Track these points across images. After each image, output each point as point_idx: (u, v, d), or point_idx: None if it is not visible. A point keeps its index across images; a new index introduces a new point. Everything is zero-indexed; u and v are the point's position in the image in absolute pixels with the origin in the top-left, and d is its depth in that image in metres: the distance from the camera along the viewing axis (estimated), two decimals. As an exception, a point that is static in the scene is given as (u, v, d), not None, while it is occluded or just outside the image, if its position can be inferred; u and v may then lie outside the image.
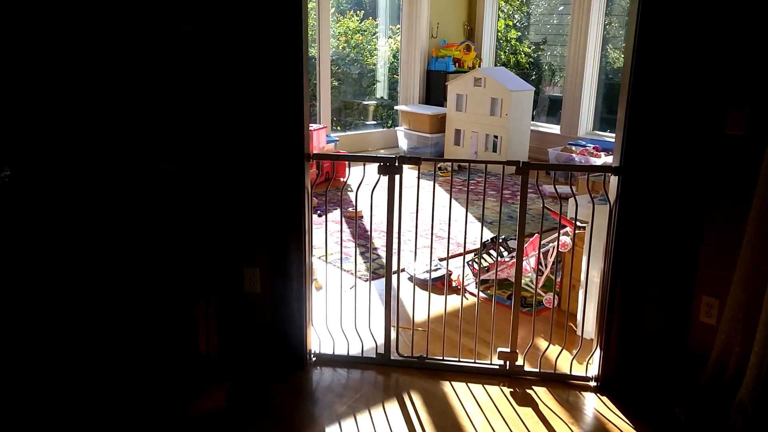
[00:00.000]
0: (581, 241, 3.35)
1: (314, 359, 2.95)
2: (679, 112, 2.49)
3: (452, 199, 5.23)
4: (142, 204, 2.11)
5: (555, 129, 7.53)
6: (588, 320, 3.18)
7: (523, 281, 3.82)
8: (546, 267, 3.63)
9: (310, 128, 4.37)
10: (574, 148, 6.51)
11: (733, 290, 2.44)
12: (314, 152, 5.41)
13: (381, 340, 2.97)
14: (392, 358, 2.93)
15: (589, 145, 6.50)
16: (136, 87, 2.06)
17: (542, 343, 3.11)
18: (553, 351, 2.95)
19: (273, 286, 2.83)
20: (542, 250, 3.66)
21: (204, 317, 2.47)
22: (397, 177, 2.74)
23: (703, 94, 2.45)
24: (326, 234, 3.03)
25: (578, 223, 3.38)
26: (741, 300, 2.42)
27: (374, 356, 2.95)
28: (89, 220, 2.10)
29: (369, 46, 8.29)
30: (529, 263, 3.65)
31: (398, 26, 8.01)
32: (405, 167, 2.80)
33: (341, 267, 3.04)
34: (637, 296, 2.69)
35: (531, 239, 3.72)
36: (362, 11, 8.07)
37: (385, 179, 2.75)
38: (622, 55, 7.37)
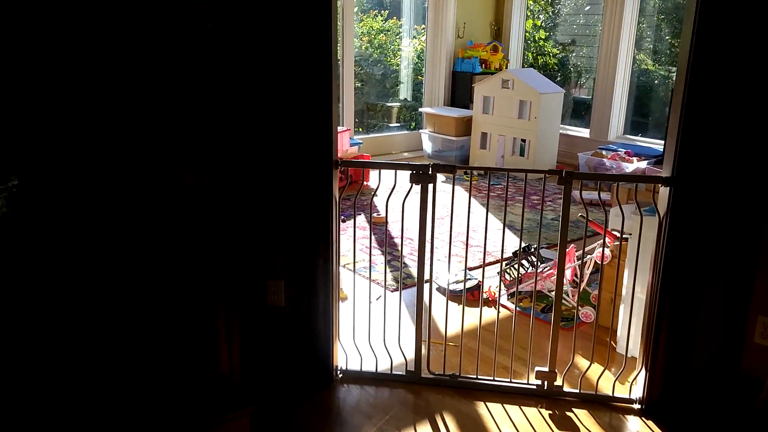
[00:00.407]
0: (622, 253, 3.18)
1: (341, 375, 2.82)
2: (736, 118, 2.31)
3: (483, 206, 5.08)
4: (161, 215, 1.98)
5: (584, 132, 7.33)
6: (630, 337, 3.01)
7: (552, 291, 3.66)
8: (582, 279, 3.45)
9: (336, 131, 4.24)
10: (604, 152, 6.31)
11: (795, 312, 2.26)
12: (341, 158, 5.27)
13: (411, 356, 2.82)
14: (423, 375, 2.78)
15: (620, 149, 6.29)
16: (155, 90, 1.93)
17: (581, 362, 2.94)
18: (594, 370, 2.78)
19: (298, 300, 2.69)
20: (579, 261, 3.49)
21: (226, 335, 2.33)
22: (430, 186, 2.59)
23: (759, 95, 2.26)
24: (354, 242, 2.88)
25: (619, 234, 3.20)
26: (804, 322, 2.24)
27: (404, 373, 2.80)
28: (105, 233, 1.97)
29: (392, 47, 8.15)
30: (565, 275, 3.47)
31: (423, 26, 7.86)
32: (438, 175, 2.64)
33: (369, 277, 2.89)
34: (686, 314, 2.51)
35: (567, 249, 3.54)
36: (386, 11, 7.93)
37: (417, 187, 2.60)
38: (648, 58, 7.22)
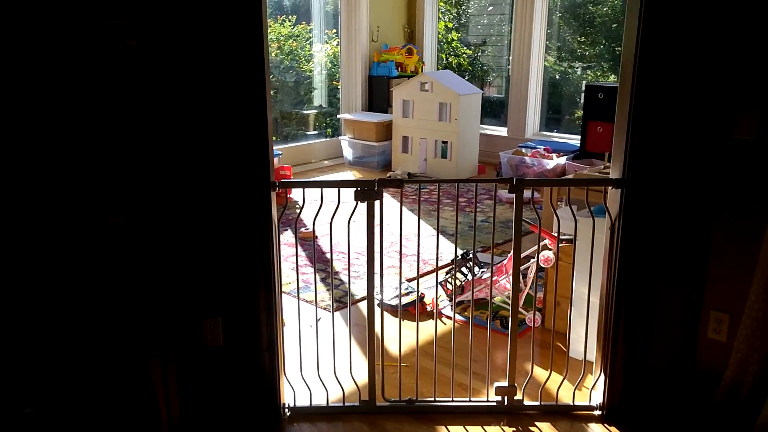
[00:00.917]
0: (568, 255, 3.14)
1: (289, 414, 2.61)
2: (683, 117, 2.29)
3: (413, 213, 4.94)
4: (84, 264, 1.72)
5: (501, 131, 7.39)
6: (579, 339, 2.97)
7: (498, 299, 3.59)
8: (525, 284, 3.40)
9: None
10: (524, 150, 6.37)
11: (749, 306, 2.25)
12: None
13: (363, 382, 2.65)
14: (378, 404, 2.62)
15: (539, 146, 6.36)
16: (74, 120, 1.67)
17: (539, 372, 2.87)
18: (553, 379, 2.71)
19: (239, 337, 2.46)
20: (522, 267, 3.43)
21: (164, 391, 2.08)
22: (377, 203, 2.43)
23: (708, 96, 2.25)
24: (297, 265, 2.67)
25: (562, 237, 3.16)
26: (759, 316, 2.24)
27: (357, 403, 2.63)
28: (22, 285, 1.69)
29: (303, 52, 7.93)
30: (509, 281, 3.40)
31: (334, 30, 7.69)
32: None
33: (315, 302, 2.69)
34: (643, 315, 2.48)
35: (509, 255, 3.47)
36: (294, 16, 7.70)
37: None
38: (550, 55, 7.37)
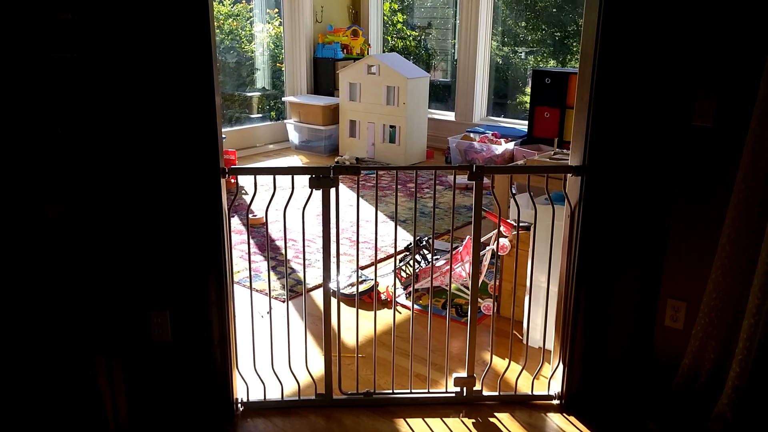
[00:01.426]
0: (522, 243, 3.12)
1: (242, 409, 2.50)
2: (643, 103, 2.27)
3: (363, 200, 4.83)
4: (16, 257, 1.56)
5: (449, 116, 7.36)
6: (536, 328, 2.96)
7: (454, 286, 3.56)
8: (480, 271, 3.37)
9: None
10: (472, 135, 6.35)
11: (707, 294, 2.27)
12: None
13: (319, 375, 2.57)
14: (335, 397, 2.54)
15: (487, 131, 6.37)
16: (3, 104, 1.50)
17: (497, 361, 2.84)
18: (510, 368, 2.68)
19: (188, 331, 2.33)
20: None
21: (108, 384, 1.94)
22: (332, 190, 2.33)
23: (667, 82, 2.24)
24: (249, 255, 2.55)
25: (517, 224, 3.14)
26: (716, 305, 2.26)
27: (313, 397, 2.54)
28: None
29: (244, 32, 7.68)
30: (465, 269, 3.37)
31: (276, 10, 7.46)
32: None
33: (269, 291, 2.58)
34: (601, 303, 2.47)
35: (464, 242, 3.44)
36: (233, -6, 7.44)
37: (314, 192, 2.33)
38: (493, 42, 7.40)
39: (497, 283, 3.34)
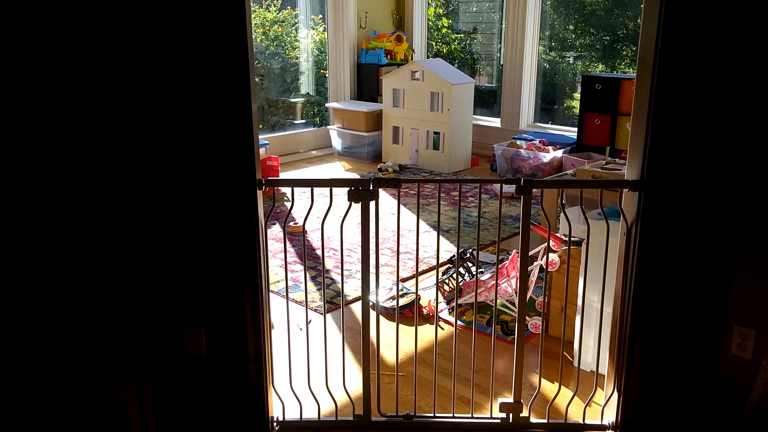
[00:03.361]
0: (573, 259, 2.96)
1: (278, 428, 2.41)
2: (707, 114, 2.10)
3: (406, 208, 4.70)
4: (39, 277, 1.50)
5: (494, 122, 7.19)
6: (587, 350, 2.80)
7: (499, 302, 3.40)
8: (529, 287, 3.21)
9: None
10: (519, 142, 6.18)
11: (778, 321, 2.09)
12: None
13: (357, 394, 2.46)
14: (373, 419, 2.43)
15: (534, 139, 6.18)
16: (22, 116, 1.44)
17: (545, 384, 2.69)
18: (557, 392, 2.53)
19: (223, 346, 2.25)
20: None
21: (138, 403, 1.88)
22: (372, 203, 2.23)
23: (735, 91, 2.06)
24: (286, 264, 2.47)
25: (565, 238, 2.99)
26: (789, 332, 2.07)
27: (351, 418, 2.44)
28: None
29: (289, 38, 7.67)
30: (511, 284, 3.22)
31: (320, 16, 7.43)
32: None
33: (306, 303, 2.49)
34: (661, 327, 2.30)
35: (510, 256, 3.29)
36: (279, 1, 7.44)
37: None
38: (540, 46, 7.21)
39: (546, 300, 3.19)
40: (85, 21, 1.44)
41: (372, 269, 2.32)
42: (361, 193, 2.20)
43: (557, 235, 3.05)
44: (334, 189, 2.29)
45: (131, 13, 1.86)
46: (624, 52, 7.02)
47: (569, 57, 7.36)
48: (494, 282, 3.29)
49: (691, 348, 2.32)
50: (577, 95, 7.46)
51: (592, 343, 2.72)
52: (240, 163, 2.10)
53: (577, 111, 7.33)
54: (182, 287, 2.18)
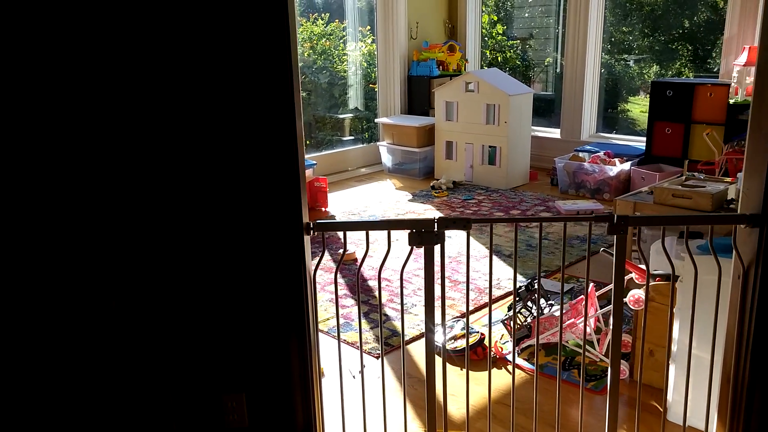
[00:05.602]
0: (659, 295, 2.59)
1: (331, 502, 2.12)
2: None
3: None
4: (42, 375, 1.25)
5: (553, 133, 6.79)
6: (680, 401, 2.41)
7: (572, 342, 3.03)
8: (607, 328, 2.84)
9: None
10: (581, 155, 5.77)
11: None
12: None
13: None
14: (441, 491, 2.11)
15: (599, 150, 5.76)
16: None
17: (633, 444, 2.32)
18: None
19: (268, 416, 1.98)
20: (601, 311, 2.88)
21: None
22: (437, 247, 1.92)
23: None
24: (337, 305, 2.18)
25: (655, 273, 2.62)
26: None
27: (415, 490, 2.13)
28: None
29: (337, 51, 7.45)
30: (588, 324, 2.86)
31: (368, 28, 7.18)
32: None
33: (361, 349, 2.20)
34: (783, 391, 1.92)
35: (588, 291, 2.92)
36: (327, 14, 7.23)
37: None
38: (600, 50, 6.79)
39: (633, 342, 2.81)
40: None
41: (437, 319, 2.01)
42: (424, 236, 1.90)
43: (640, 266, 2.68)
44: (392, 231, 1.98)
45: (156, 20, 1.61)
46: (681, 52, 6.56)
47: (629, 60, 6.92)
48: (569, 321, 2.93)
49: (825, 415, 1.92)
50: (635, 99, 7.01)
51: (685, 393, 2.34)
52: (283, 204, 1.83)
53: (633, 115, 6.85)
54: (219, 351, 1.91)
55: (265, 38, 1.72)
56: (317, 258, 1.96)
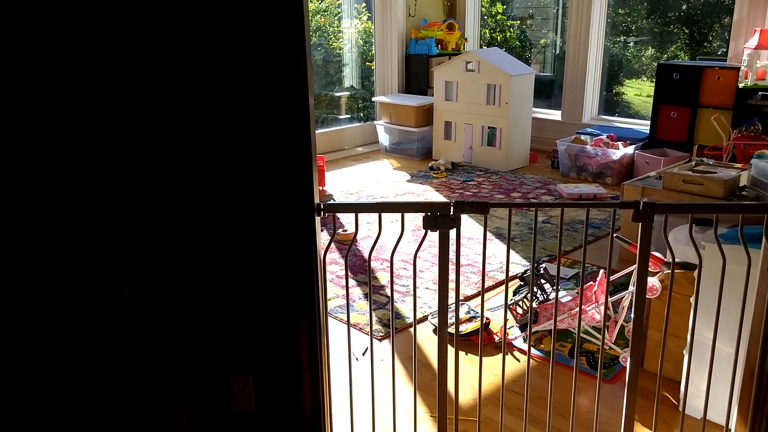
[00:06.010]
0: (678, 285, 2.52)
1: (337, 491, 2.05)
2: None
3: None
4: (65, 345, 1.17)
5: (554, 115, 6.70)
6: (698, 394, 2.36)
7: (582, 329, 2.97)
8: (620, 313, 2.78)
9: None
10: (584, 137, 5.69)
11: None
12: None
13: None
14: (450, 481, 2.05)
15: (601, 133, 5.68)
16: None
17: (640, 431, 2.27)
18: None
19: (275, 400, 1.90)
20: (612, 298, 2.81)
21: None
22: (453, 231, 1.83)
23: None
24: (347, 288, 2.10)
25: (666, 259, 2.55)
26: None
27: (423, 478, 2.06)
28: None
29: (332, 29, 7.30)
30: (599, 311, 2.80)
31: (363, 5, 7.03)
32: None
33: (371, 331, 2.12)
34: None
35: (598, 279, 2.86)
36: (322, -10, 7.07)
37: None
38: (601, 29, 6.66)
39: (645, 332, 2.75)
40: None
41: (451, 307, 1.93)
42: (440, 219, 1.81)
43: (655, 254, 2.62)
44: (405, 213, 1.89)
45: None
46: (678, 35, 6.48)
47: (630, 42, 6.83)
48: (578, 307, 2.87)
49: None
50: (630, 83, 6.92)
51: (704, 386, 2.28)
52: (295, 185, 1.73)
53: (630, 97, 6.77)
54: (226, 332, 1.83)
55: (277, 17, 1.61)
56: (327, 240, 1.87)
